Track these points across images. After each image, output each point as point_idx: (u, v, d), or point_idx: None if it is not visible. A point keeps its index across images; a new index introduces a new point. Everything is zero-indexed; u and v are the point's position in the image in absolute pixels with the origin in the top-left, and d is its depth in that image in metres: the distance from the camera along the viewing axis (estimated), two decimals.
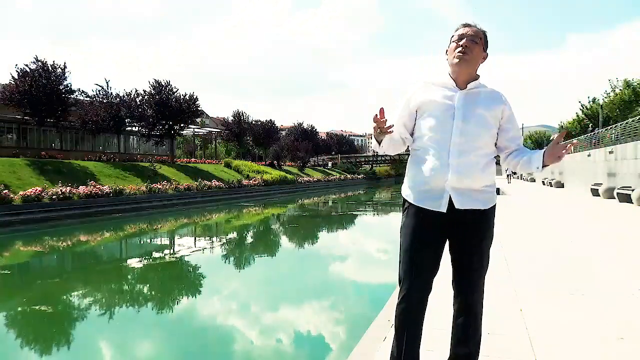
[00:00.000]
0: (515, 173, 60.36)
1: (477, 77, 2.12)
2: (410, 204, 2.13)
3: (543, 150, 2.07)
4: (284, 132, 57.43)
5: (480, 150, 2.05)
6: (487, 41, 2.14)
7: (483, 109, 2.06)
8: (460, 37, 2.08)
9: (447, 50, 2.15)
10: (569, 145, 2.03)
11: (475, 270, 2.13)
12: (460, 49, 2.06)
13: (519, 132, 2.19)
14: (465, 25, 2.11)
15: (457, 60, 2.06)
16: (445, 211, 2.03)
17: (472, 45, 2.05)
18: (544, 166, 2.04)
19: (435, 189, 2.04)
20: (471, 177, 2.02)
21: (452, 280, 2.20)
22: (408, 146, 2.27)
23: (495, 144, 2.16)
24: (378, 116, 2.00)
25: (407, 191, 2.16)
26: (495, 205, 2.15)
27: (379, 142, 2.15)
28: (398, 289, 2.17)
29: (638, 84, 33.43)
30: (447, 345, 2.28)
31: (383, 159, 74.06)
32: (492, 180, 2.13)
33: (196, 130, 43.95)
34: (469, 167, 2.02)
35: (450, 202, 2.03)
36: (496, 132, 2.13)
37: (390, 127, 2.03)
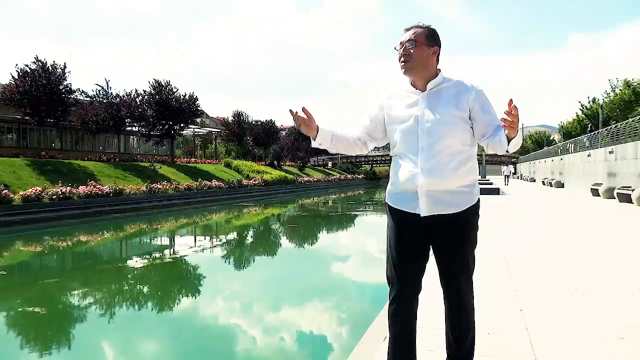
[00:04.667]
0: (515, 173, 60.39)
1: (436, 74, 2.10)
2: (390, 206, 2.17)
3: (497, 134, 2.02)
4: (284, 132, 57.35)
5: (450, 149, 2.03)
6: (433, 34, 2.09)
7: (447, 106, 2.04)
8: (401, 45, 2.09)
9: None
10: (510, 107, 1.86)
11: (459, 275, 2.12)
12: (401, 59, 2.08)
13: (490, 116, 2.07)
14: (406, 30, 2.11)
15: (403, 70, 2.09)
16: (420, 213, 2.03)
17: (413, 50, 2.04)
18: (509, 142, 1.96)
19: (408, 191, 2.06)
20: (443, 178, 2.01)
21: (440, 282, 2.19)
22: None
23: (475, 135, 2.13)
24: (300, 113, 2.10)
25: (387, 195, 2.21)
26: (474, 205, 2.10)
27: (313, 139, 2.20)
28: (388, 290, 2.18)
29: (638, 84, 33.40)
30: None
31: (383, 159, 74.01)
32: (470, 179, 2.08)
33: (196, 130, 43.94)
34: (440, 168, 2.01)
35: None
36: (469, 125, 2.08)
37: (311, 123, 2.12)
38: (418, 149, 2.03)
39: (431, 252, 2.16)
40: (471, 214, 2.09)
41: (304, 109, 2.10)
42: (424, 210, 2.02)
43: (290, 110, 2.10)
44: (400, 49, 2.08)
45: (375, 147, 2.36)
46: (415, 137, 2.04)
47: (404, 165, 2.08)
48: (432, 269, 2.18)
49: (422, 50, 2.05)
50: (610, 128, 21.59)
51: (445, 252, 2.11)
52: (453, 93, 2.08)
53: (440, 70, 2.12)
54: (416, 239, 2.09)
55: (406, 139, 2.07)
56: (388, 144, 2.29)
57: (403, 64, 2.07)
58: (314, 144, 2.21)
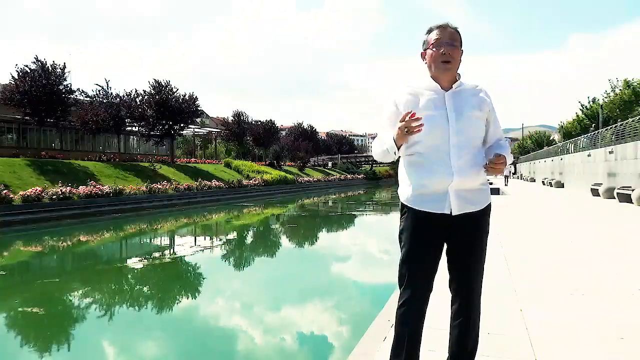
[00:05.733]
0: (515, 173, 60.31)
1: (459, 76, 2.12)
2: (409, 208, 2.11)
3: (492, 155, 2.06)
4: (284, 132, 57.40)
5: (475, 148, 2.08)
6: (461, 37, 2.12)
7: (472, 107, 2.07)
8: (439, 44, 2.05)
9: (422, 54, 2.13)
10: (497, 160, 2.01)
11: (473, 273, 2.14)
12: (443, 57, 2.04)
13: (496, 125, 2.19)
14: (440, 28, 2.08)
15: (444, 70, 2.05)
16: (449, 212, 2.03)
17: (453, 51, 2.05)
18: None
19: (438, 192, 2.03)
20: (471, 177, 2.04)
21: (450, 282, 2.20)
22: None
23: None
24: (408, 117, 1.91)
25: (405, 196, 2.13)
26: (490, 203, 2.17)
27: (398, 147, 2.01)
28: (398, 292, 2.16)
29: (638, 84, 33.35)
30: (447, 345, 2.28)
31: None
32: (485, 178, 2.15)
33: (196, 130, 43.93)
34: (469, 167, 2.03)
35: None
36: (485, 127, 2.15)
37: (420, 125, 1.90)
38: (449, 147, 2.01)
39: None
40: (488, 211, 2.16)
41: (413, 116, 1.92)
42: (455, 209, 2.02)
43: (414, 114, 1.91)
44: (440, 47, 2.04)
45: None
46: (446, 136, 2.01)
47: (433, 164, 2.03)
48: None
49: (458, 52, 2.08)
50: (615, 127, 21.52)
51: (464, 250, 2.12)
52: (474, 95, 2.10)
53: (460, 75, 2.14)
54: (436, 240, 2.09)
55: (435, 137, 2.02)
56: None
57: (445, 63, 2.04)
58: (395, 154, 2.04)
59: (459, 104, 2.06)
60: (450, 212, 2.03)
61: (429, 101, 2.07)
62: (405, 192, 2.14)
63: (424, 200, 2.07)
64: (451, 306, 2.22)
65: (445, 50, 2.03)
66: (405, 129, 1.92)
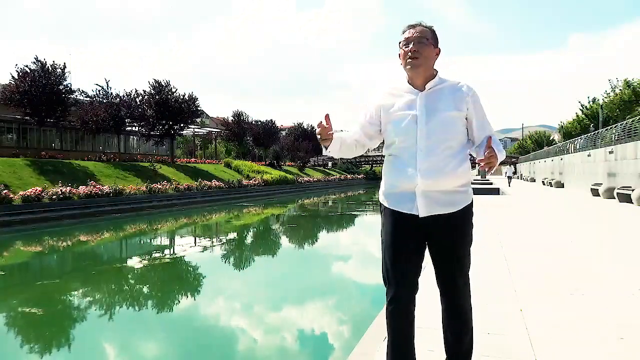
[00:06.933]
0: (515, 173, 60.25)
1: (435, 75, 2.10)
2: (385, 207, 2.15)
3: (483, 148, 2.05)
4: (284, 132, 57.36)
5: (449, 150, 2.04)
6: (437, 36, 2.11)
7: (446, 107, 2.04)
8: (407, 42, 2.05)
9: (399, 55, 2.12)
10: (483, 164, 1.99)
11: (455, 273, 2.13)
12: (409, 54, 2.03)
13: (483, 123, 2.13)
14: (410, 27, 2.08)
15: (410, 66, 2.05)
16: (418, 214, 2.02)
17: (421, 48, 2.03)
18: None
19: (406, 192, 2.05)
20: (441, 179, 2.01)
21: (436, 282, 2.19)
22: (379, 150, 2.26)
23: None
24: (323, 123, 2.04)
25: (381, 195, 2.19)
26: (470, 204, 2.12)
27: (326, 147, 2.13)
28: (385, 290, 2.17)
29: (638, 84, 33.33)
30: None
31: (382, 159, 73.83)
32: (466, 179, 2.10)
33: (196, 130, 43.93)
34: (439, 169, 2.01)
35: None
36: (465, 127, 2.11)
37: (330, 134, 2.06)
38: (417, 149, 2.02)
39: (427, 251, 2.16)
40: (467, 213, 2.11)
41: (326, 117, 2.04)
42: (422, 212, 2.02)
43: (327, 115, 2.06)
44: (408, 44, 2.05)
45: (375, 147, 2.34)
46: (414, 138, 2.02)
47: (402, 165, 2.06)
48: (430, 268, 2.18)
49: (430, 49, 2.05)
50: (615, 127, 21.48)
51: (442, 251, 2.11)
52: (451, 94, 2.08)
53: (437, 72, 2.12)
54: (413, 239, 2.08)
55: (404, 139, 2.05)
56: (381, 143, 2.28)
57: (411, 60, 2.03)
58: (325, 152, 2.18)
59: (432, 105, 2.04)
60: (419, 214, 2.03)
61: (403, 103, 2.08)
62: (381, 191, 2.20)
63: (395, 199, 2.10)
64: (441, 305, 2.22)
65: (412, 47, 2.03)
66: (319, 135, 2.06)
